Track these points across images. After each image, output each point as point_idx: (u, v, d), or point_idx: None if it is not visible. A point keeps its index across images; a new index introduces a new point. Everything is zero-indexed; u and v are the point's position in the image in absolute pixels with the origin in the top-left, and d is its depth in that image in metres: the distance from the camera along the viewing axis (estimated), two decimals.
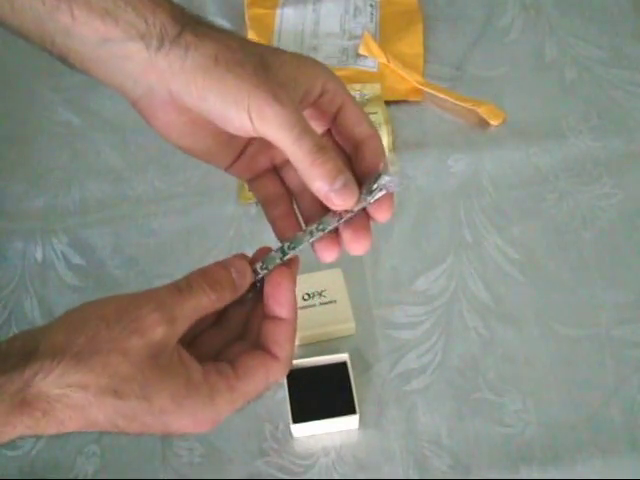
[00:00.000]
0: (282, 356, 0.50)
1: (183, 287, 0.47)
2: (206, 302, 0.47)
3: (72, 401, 0.42)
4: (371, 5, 0.95)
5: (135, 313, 0.46)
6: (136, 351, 0.44)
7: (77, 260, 0.76)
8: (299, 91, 0.47)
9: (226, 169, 0.52)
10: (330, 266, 0.74)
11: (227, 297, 0.48)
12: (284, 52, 0.49)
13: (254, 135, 0.46)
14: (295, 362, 0.68)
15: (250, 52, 0.47)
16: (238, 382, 0.47)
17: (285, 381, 0.66)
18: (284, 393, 0.66)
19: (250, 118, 0.45)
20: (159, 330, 0.44)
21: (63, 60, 0.48)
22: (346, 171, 0.46)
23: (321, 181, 0.45)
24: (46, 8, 0.46)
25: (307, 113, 0.48)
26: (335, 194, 0.46)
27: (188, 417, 0.45)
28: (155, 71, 0.46)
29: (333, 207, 0.47)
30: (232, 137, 0.48)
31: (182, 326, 0.45)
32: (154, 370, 0.44)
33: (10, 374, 0.41)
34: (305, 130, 0.45)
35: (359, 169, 0.49)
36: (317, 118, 0.49)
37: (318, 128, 0.49)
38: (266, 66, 0.46)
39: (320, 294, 0.71)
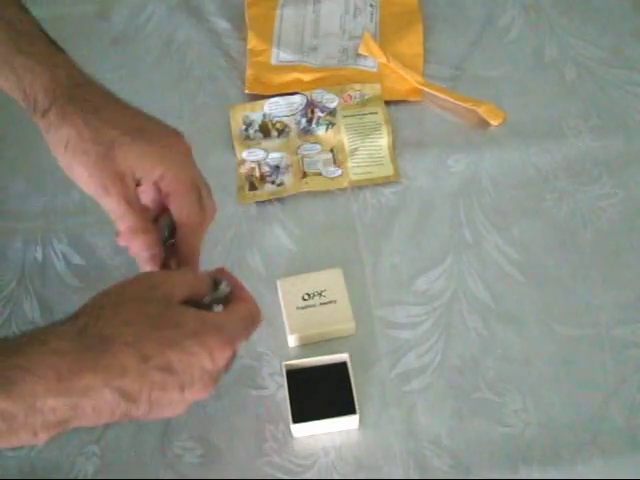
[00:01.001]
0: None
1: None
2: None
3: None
4: (371, 5, 0.95)
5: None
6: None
7: (77, 260, 0.76)
8: (135, 177, 0.60)
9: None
10: (330, 266, 0.74)
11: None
12: (138, 138, 0.60)
13: None
14: (295, 362, 0.68)
15: (100, 141, 0.59)
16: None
17: (285, 381, 0.66)
18: (284, 393, 0.66)
19: (94, 195, 0.61)
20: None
21: None
22: (150, 248, 0.63)
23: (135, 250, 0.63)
24: None
25: (146, 189, 0.63)
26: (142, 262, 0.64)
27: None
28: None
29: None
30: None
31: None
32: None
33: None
34: (123, 216, 0.60)
35: (178, 245, 0.65)
36: (156, 194, 0.63)
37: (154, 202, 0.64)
38: (109, 156, 0.59)
39: (320, 294, 0.71)
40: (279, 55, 0.90)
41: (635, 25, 0.93)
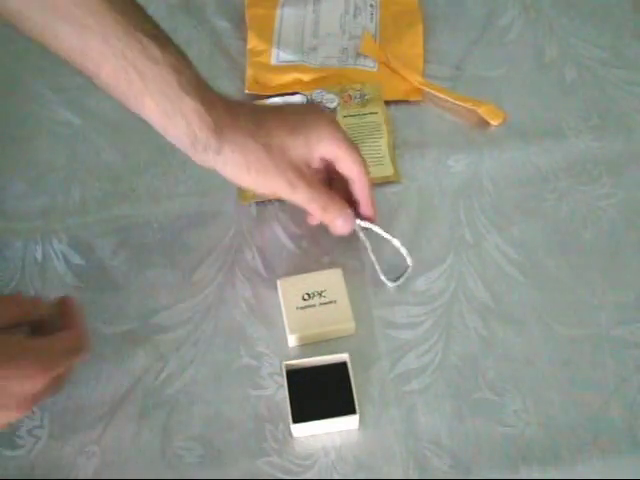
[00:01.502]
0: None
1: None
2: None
3: None
4: (371, 5, 0.95)
5: None
6: None
7: (77, 260, 0.76)
8: (307, 163, 0.69)
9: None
10: (330, 266, 0.74)
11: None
12: (295, 132, 0.68)
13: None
14: (295, 362, 0.68)
15: (274, 153, 0.67)
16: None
17: (285, 381, 0.66)
18: (284, 393, 0.66)
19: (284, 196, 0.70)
20: None
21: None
22: (344, 214, 0.71)
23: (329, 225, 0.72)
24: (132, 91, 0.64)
25: (317, 167, 0.71)
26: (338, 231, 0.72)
27: None
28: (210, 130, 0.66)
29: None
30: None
31: None
32: None
33: None
34: (312, 200, 0.69)
35: (357, 199, 0.73)
36: (324, 166, 0.72)
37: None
38: (286, 160, 0.67)
39: (320, 294, 0.71)
40: (279, 55, 0.90)
41: (635, 25, 0.93)
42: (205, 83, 0.66)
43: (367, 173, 0.71)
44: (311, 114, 0.71)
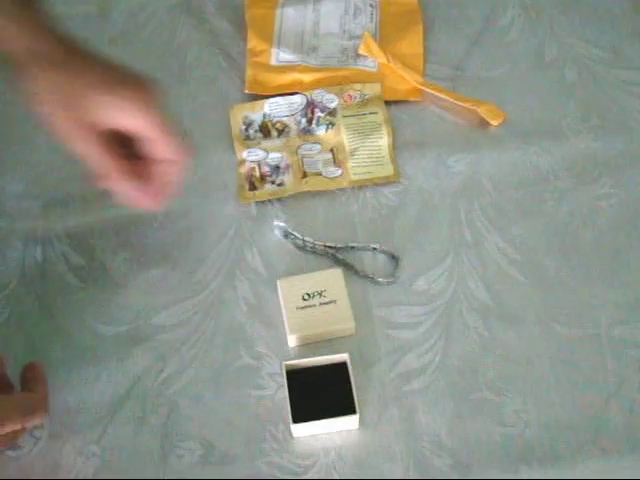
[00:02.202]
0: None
1: None
2: None
3: None
4: (371, 5, 0.95)
5: None
6: None
7: (77, 260, 0.76)
8: (100, 124, 0.65)
9: None
10: (330, 266, 0.74)
11: None
12: (102, 91, 0.65)
13: None
14: (295, 362, 0.68)
15: (66, 93, 0.64)
16: None
17: (285, 381, 0.66)
18: (284, 393, 0.66)
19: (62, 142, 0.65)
20: None
21: None
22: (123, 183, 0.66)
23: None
24: None
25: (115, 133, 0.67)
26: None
27: None
28: None
29: None
30: None
31: None
32: None
33: None
34: (87, 157, 0.65)
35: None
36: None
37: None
38: (73, 106, 0.65)
39: (320, 294, 0.71)
40: (279, 55, 0.90)
41: (635, 25, 0.93)
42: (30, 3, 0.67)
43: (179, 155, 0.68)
44: (135, 85, 0.67)
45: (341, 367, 0.67)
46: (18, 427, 0.62)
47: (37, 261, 0.76)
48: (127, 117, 0.66)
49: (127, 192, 0.67)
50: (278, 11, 0.94)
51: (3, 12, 0.65)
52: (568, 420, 0.66)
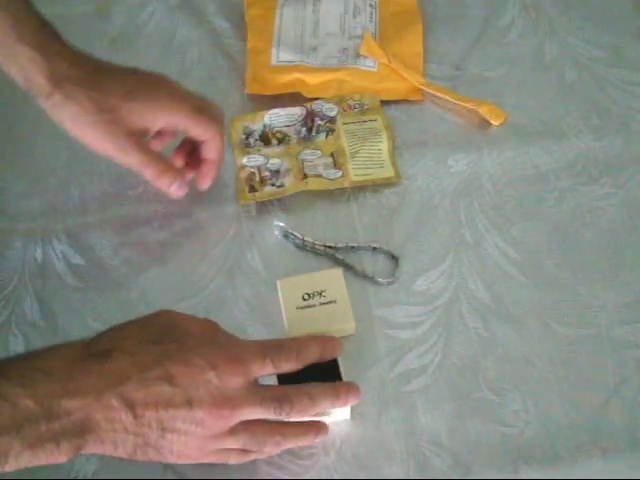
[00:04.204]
0: None
1: None
2: None
3: None
4: (371, 5, 0.95)
5: None
6: None
7: (77, 260, 0.76)
8: (143, 130, 0.71)
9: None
10: (330, 266, 0.74)
11: None
12: (133, 99, 0.69)
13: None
14: None
15: (104, 109, 0.68)
16: None
17: (275, 376, 0.65)
18: None
19: (113, 158, 0.71)
20: None
21: None
22: (178, 179, 0.74)
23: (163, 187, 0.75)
24: None
25: (157, 135, 0.76)
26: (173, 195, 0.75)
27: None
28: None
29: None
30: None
31: None
32: None
33: None
34: (145, 164, 0.72)
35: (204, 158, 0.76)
36: (169, 133, 0.77)
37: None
38: (116, 121, 0.68)
39: (320, 294, 0.71)
40: (279, 55, 0.90)
41: (635, 25, 0.93)
42: (50, 31, 0.69)
43: (221, 134, 0.74)
44: (153, 84, 0.72)
45: (331, 360, 0.66)
46: (269, 369, 0.59)
47: (37, 261, 0.76)
48: (169, 116, 0.71)
49: (185, 184, 0.74)
50: (278, 11, 0.94)
51: (28, 42, 0.67)
52: (568, 420, 0.66)
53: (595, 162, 0.81)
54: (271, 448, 0.61)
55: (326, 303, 0.71)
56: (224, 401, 0.56)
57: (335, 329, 0.70)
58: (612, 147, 0.82)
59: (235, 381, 0.56)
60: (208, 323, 0.62)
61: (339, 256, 0.75)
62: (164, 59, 0.92)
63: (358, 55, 0.90)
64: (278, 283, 0.73)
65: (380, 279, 0.74)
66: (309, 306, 0.71)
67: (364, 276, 0.74)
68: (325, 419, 0.65)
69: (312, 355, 0.62)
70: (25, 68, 0.67)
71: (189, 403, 0.54)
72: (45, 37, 0.68)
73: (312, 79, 0.88)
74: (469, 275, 0.74)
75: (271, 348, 0.60)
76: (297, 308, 0.71)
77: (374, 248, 0.76)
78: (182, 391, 0.54)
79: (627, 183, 0.80)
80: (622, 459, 0.64)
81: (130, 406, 0.53)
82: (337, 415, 0.66)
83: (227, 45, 0.93)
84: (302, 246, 0.76)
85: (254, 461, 0.63)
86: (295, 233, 0.76)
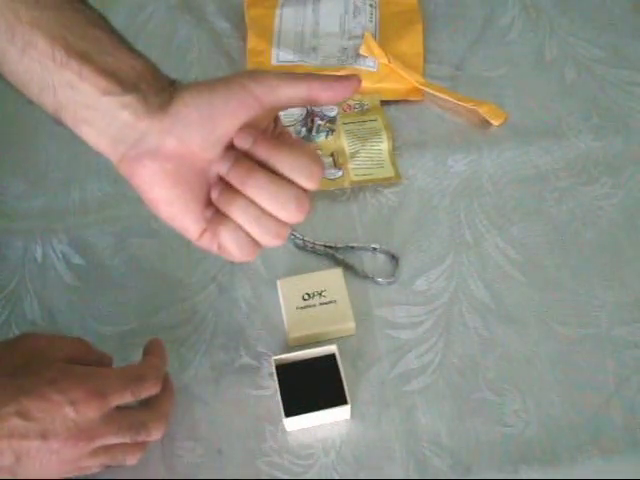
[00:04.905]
0: None
1: None
2: None
3: None
4: (371, 5, 0.95)
5: None
6: None
7: (77, 260, 0.76)
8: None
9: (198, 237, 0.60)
10: (330, 266, 0.74)
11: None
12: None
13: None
14: (285, 356, 0.68)
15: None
16: None
17: (276, 376, 0.66)
18: None
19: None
20: None
21: (55, 113, 0.58)
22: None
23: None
24: (55, 64, 0.53)
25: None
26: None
27: None
28: (148, 115, 0.54)
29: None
30: (201, 188, 0.57)
31: None
32: None
33: None
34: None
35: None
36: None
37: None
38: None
39: (320, 294, 0.71)
40: (279, 55, 0.90)
41: (635, 25, 0.93)
42: (150, 78, 0.57)
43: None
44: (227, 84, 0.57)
45: (330, 359, 0.67)
46: (128, 399, 0.59)
47: (37, 261, 0.76)
48: (252, 112, 0.58)
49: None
50: (278, 11, 0.94)
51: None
52: (568, 420, 0.66)
53: (595, 162, 0.81)
54: (133, 459, 0.62)
55: (326, 303, 0.71)
56: (80, 433, 0.57)
57: (335, 329, 0.70)
58: (612, 147, 0.82)
59: (93, 413, 0.57)
60: (78, 344, 0.63)
61: (339, 256, 0.75)
62: (164, 59, 0.91)
63: (358, 55, 0.90)
64: (278, 283, 0.73)
65: (380, 279, 0.74)
66: (309, 306, 0.71)
67: (364, 276, 0.74)
68: (325, 420, 0.66)
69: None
70: (137, 72, 0.56)
71: (43, 436, 0.56)
72: (141, 89, 0.56)
73: None
74: (469, 275, 0.74)
75: (132, 379, 0.61)
76: (297, 308, 0.71)
77: (374, 248, 0.76)
78: (36, 425, 0.55)
79: (627, 183, 0.80)
80: (622, 459, 0.64)
81: None
82: (337, 416, 0.66)
83: (227, 45, 0.93)
84: (302, 246, 0.76)
85: (254, 461, 0.64)
86: (295, 233, 0.76)
